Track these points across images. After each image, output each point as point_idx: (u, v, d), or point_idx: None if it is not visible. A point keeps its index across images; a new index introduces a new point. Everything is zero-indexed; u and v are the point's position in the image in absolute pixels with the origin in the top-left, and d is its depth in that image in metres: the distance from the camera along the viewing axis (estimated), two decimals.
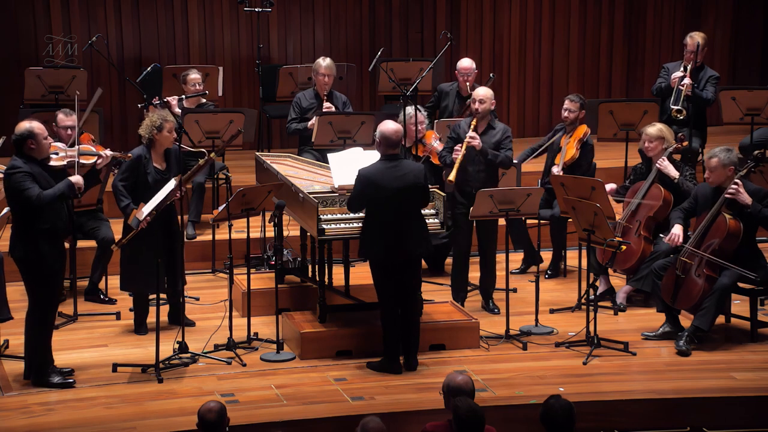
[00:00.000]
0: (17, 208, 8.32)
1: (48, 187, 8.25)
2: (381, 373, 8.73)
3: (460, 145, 9.68)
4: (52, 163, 8.51)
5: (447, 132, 10.26)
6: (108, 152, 9.35)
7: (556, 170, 10.51)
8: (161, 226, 9.18)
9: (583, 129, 10.68)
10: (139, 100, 11.42)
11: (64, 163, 8.55)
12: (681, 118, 11.45)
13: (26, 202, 8.18)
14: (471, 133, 9.68)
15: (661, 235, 9.64)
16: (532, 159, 10.98)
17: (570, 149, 10.56)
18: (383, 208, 8.61)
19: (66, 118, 10.03)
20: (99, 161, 9.04)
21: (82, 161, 8.75)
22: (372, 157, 9.05)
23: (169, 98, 11.28)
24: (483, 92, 9.79)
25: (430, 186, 9.12)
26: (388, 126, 8.70)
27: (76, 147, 8.73)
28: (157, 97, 10.89)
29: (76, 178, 8.37)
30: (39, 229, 8.26)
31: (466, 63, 11.70)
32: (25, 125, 8.32)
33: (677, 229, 9.40)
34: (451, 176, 9.63)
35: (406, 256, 8.72)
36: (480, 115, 9.73)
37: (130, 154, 9.27)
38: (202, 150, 9.38)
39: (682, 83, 11.47)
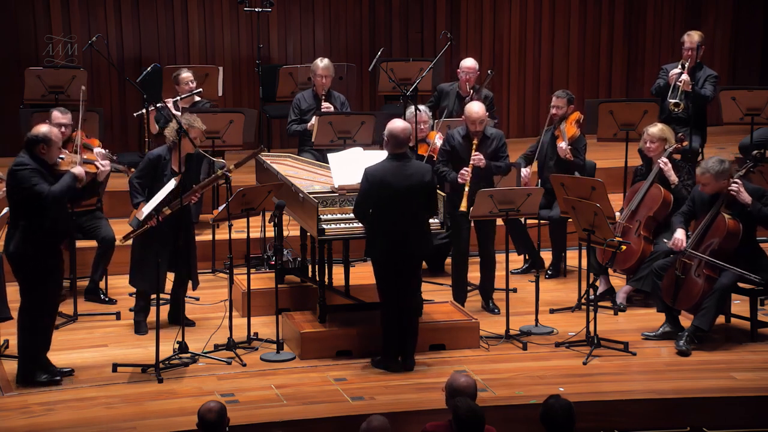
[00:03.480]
0: (20, 204, 8.31)
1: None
2: (381, 373, 8.73)
3: (465, 169, 9.65)
4: (56, 167, 8.50)
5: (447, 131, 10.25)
6: (107, 164, 9.33)
7: (563, 145, 10.51)
8: (171, 226, 9.17)
9: (576, 114, 10.69)
10: (139, 99, 11.43)
11: (67, 168, 8.58)
12: (678, 111, 11.45)
13: (36, 197, 8.18)
14: (476, 155, 9.67)
15: (665, 240, 9.55)
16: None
17: (570, 128, 10.58)
18: (389, 207, 8.60)
19: (61, 116, 10.08)
20: (100, 171, 9.04)
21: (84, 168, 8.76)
22: (372, 156, 9.05)
23: (166, 101, 11.29)
24: (479, 110, 9.71)
25: None
26: (396, 124, 8.70)
27: (79, 155, 8.73)
28: (153, 103, 10.90)
29: (78, 170, 8.37)
30: (39, 228, 8.25)
31: (469, 63, 11.68)
32: (43, 130, 8.35)
33: (680, 234, 9.33)
34: (463, 206, 9.59)
35: (408, 256, 8.71)
36: (480, 135, 9.73)
37: (131, 168, 9.26)
38: (222, 161, 9.35)
39: (680, 79, 11.47)
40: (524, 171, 10.62)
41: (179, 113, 10.96)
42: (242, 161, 9.48)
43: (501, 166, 9.81)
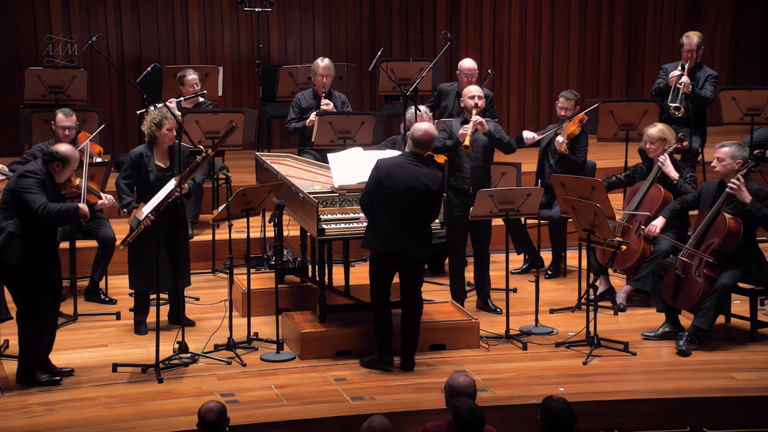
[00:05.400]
0: (15, 210, 8.29)
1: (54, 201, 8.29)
2: (381, 373, 8.73)
3: (466, 126, 9.69)
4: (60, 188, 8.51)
5: None
6: (112, 198, 9.31)
7: (560, 139, 10.54)
8: (166, 224, 9.17)
9: (582, 114, 10.71)
10: (139, 99, 11.43)
11: (68, 193, 8.58)
12: (679, 115, 11.46)
13: (29, 205, 8.18)
14: (476, 117, 9.70)
15: (642, 226, 9.69)
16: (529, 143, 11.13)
17: (572, 125, 10.60)
18: (391, 202, 8.59)
19: (65, 119, 10.05)
20: (100, 203, 9.06)
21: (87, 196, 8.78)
22: (372, 157, 9.05)
23: (168, 102, 11.29)
24: (476, 88, 9.91)
25: None
26: (420, 126, 8.77)
27: (84, 181, 8.72)
28: (155, 103, 10.90)
29: (84, 207, 8.40)
30: (24, 235, 8.25)
31: (468, 64, 11.68)
32: (65, 150, 8.36)
33: (658, 221, 9.54)
34: (467, 141, 9.63)
35: (401, 258, 8.70)
36: (481, 110, 9.77)
37: (125, 209, 9.25)
38: (200, 147, 9.40)
39: (680, 81, 11.48)
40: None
41: (179, 114, 10.96)
42: (219, 143, 9.38)
43: (504, 136, 9.88)
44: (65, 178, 8.43)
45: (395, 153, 9.09)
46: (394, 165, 8.63)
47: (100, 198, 9.09)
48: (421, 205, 8.67)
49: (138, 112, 11.84)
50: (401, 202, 8.59)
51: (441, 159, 10.85)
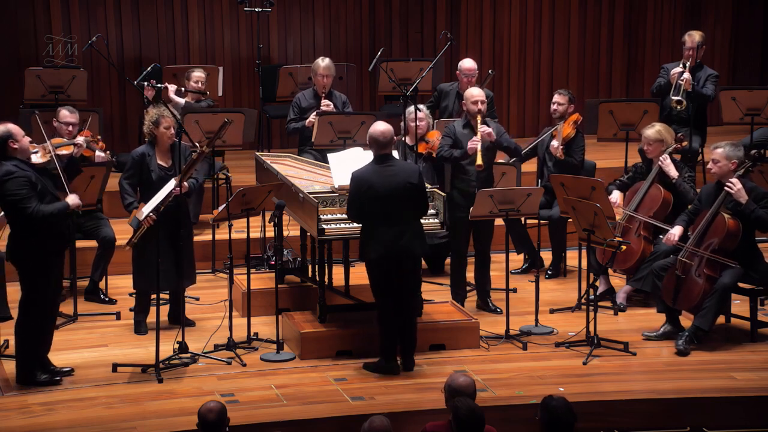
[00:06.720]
0: (13, 213, 8.29)
1: (45, 188, 8.25)
2: (379, 374, 8.73)
3: (474, 138, 9.66)
4: (33, 161, 8.48)
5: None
6: (80, 139, 9.33)
7: (556, 144, 10.54)
8: (168, 223, 9.16)
9: (576, 115, 10.70)
10: (140, 99, 11.44)
11: (46, 159, 8.55)
12: (681, 108, 11.45)
13: (21, 213, 8.16)
14: (482, 127, 9.68)
15: (660, 236, 9.67)
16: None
17: (566, 128, 10.61)
18: (377, 208, 8.59)
19: (69, 115, 10.10)
20: (75, 151, 9.05)
21: (61, 152, 8.75)
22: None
23: (168, 84, 11.30)
24: (479, 92, 9.83)
25: (429, 186, 9.13)
26: (377, 128, 8.72)
27: (49, 143, 8.72)
28: (153, 81, 10.90)
29: (73, 199, 8.36)
30: (36, 231, 8.24)
31: (468, 64, 11.68)
32: (4, 127, 8.29)
33: (676, 230, 9.43)
34: (479, 161, 9.62)
35: (400, 257, 8.70)
36: (483, 114, 9.76)
37: (102, 143, 9.29)
38: (196, 144, 9.41)
39: (682, 78, 11.47)
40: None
41: (180, 100, 11.00)
42: (215, 136, 9.38)
43: (510, 140, 9.91)
44: (28, 148, 8.31)
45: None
46: (371, 174, 8.62)
47: (75, 145, 9.07)
48: (408, 203, 8.66)
49: (135, 82, 11.71)
50: (387, 205, 8.57)
51: (422, 149, 10.87)
